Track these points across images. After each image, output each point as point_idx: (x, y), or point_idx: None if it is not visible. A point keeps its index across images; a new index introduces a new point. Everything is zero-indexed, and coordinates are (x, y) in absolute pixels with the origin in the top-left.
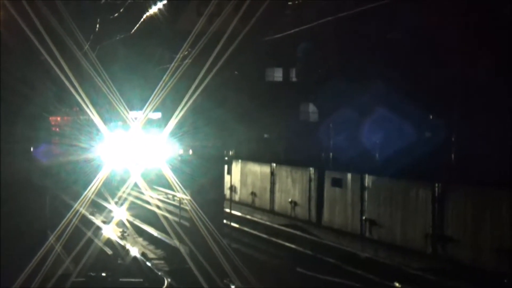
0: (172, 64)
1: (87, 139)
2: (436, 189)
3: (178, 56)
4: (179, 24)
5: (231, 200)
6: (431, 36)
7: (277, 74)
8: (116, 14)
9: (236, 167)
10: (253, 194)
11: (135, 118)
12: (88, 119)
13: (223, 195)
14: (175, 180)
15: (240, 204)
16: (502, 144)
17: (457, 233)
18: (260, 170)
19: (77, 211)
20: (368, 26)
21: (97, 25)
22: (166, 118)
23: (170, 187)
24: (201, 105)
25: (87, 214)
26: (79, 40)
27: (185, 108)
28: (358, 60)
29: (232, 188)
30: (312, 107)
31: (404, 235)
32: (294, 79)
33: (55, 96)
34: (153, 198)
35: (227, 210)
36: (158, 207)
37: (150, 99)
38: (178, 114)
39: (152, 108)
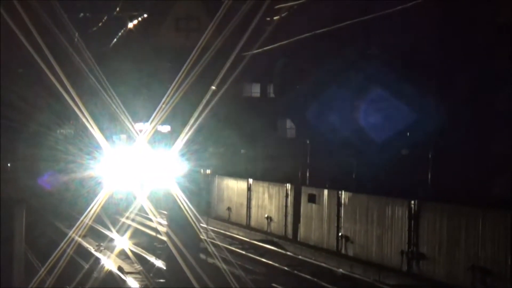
0: (177, 79)
1: (86, 155)
2: (412, 206)
3: (181, 71)
4: (158, 39)
5: (207, 215)
6: (408, 53)
7: (255, 90)
8: (95, 28)
9: (213, 182)
10: (229, 209)
11: (140, 131)
12: (87, 133)
13: (200, 212)
14: (185, 203)
15: (216, 219)
16: (478, 163)
17: (432, 250)
18: (237, 185)
19: (72, 239)
20: (345, 43)
21: (76, 39)
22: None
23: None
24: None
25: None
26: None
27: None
28: (335, 76)
29: (208, 204)
30: (289, 123)
31: (380, 252)
32: (271, 95)
33: (53, 110)
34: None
35: (204, 225)
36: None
37: (156, 111)
38: (186, 133)
39: (159, 121)
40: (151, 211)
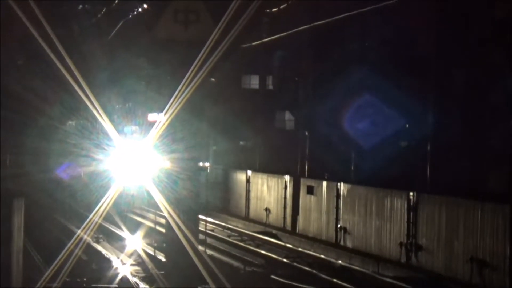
0: (189, 73)
1: (96, 148)
2: (411, 198)
3: (193, 66)
4: (156, 31)
5: (206, 207)
6: (406, 45)
7: (254, 82)
8: (94, 20)
9: (211, 174)
10: (228, 201)
11: (153, 122)
12: (97, 124)
13: (200, 204)
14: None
15: (215, 211)
16: (476, 154)
17: (431, 242)
18: (236, 177)
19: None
20: (343, 35)
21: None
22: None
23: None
24: (179, 116)
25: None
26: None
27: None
28: (333, 68)
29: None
30: (288, 115)
31: (379, 244)
32: (270, 87)
33: (60, 100)
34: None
35: (202, 217)
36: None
37: (168, 104)
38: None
39: (173, 112)
40: (165, 207)
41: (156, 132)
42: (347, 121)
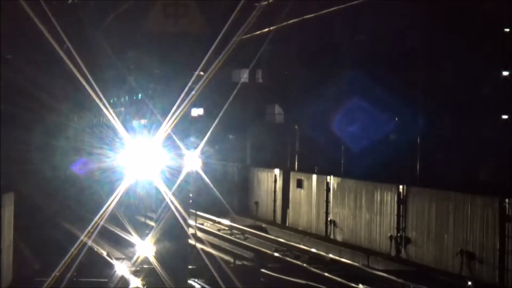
0: (198, 70)
1: (105, 145)
2: (401, 191)
3: (203, 64)
4: (146, 24)
5: (195, 201)
6: (396, 39)
7: (243, 75)
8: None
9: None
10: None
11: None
12: (103, 119)
13: (188, 199)
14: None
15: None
16: (466, 148)
17: (421, 235)
18: (224, 171)
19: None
20: (333, 28)
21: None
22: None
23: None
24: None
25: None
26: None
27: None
28: (323, 62)
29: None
30: (278, 109)
31: (369, 237)
32: (260, 80)
33: (67, 96)
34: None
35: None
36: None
37: (184, 92)
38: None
39: (188, 103)
40: (169, 198)
41: (165, 129)
42: (336, 115)
